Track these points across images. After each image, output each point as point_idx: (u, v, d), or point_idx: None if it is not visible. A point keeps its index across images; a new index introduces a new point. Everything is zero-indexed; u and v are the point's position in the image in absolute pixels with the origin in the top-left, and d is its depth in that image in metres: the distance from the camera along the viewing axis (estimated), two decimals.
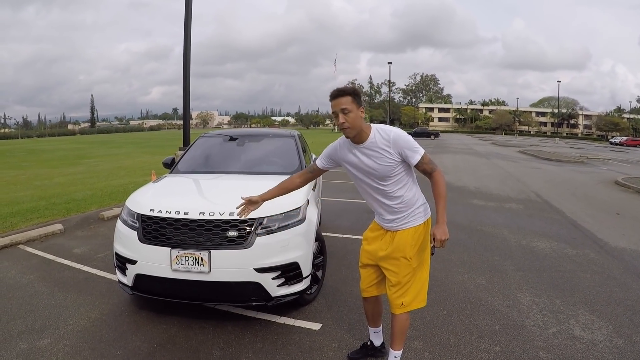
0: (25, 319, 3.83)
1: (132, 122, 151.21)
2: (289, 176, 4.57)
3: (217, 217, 3.50)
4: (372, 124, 2.76)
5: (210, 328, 3.66)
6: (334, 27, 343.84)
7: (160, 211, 3.61)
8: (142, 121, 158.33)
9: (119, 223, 3.92)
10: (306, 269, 3.74)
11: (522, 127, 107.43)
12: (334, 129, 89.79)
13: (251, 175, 4.78)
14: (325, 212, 8.11)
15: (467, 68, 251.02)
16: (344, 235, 6.68)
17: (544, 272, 5.20)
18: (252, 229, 3.52)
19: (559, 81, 77.17)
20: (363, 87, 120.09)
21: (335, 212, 8.41)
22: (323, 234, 6.63)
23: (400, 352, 2.97)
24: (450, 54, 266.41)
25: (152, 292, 3.70)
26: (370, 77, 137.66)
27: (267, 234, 3.55)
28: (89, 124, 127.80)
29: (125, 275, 3.75)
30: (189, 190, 4.44)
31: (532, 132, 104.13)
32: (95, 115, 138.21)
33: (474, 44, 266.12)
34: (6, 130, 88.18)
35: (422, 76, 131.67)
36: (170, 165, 5.28)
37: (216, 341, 3.46)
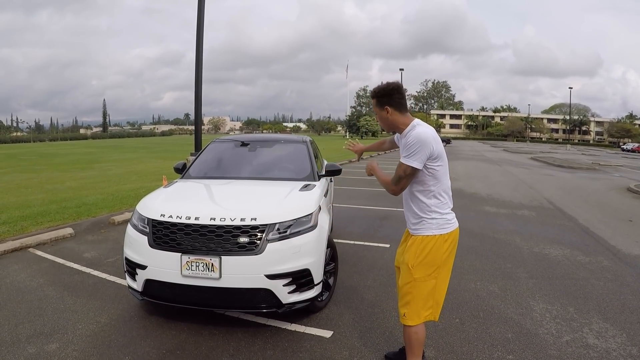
0: (34, 322, 3.82)
1: (144, 127, 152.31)
2: (302, 182, 4.58)
3: (228, 222, 3.47)
4: (415, 119, 2.77)
5: (220, 334, 3.63)
6: (346, 34, 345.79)
7: (170, 216, 3.60)
8: (154, 126, 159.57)
9: (129, 228, 3.91)
10: (318, 275, 3.70)
11: (534, 134, 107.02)
12: (346, 135, 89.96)
13: (262, 181, 4.77)
14: (336, 218, 8.07)
15: (478, 74, 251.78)
16: (356, 242, 6.63)
17: (556, 279, 5.11)
18: (264, 235, 3.49)
19: (571, 88, 76.71)
20: None
21: (348, 219, 8.36)
22: (335, 240, 6.61)
23: None
24: (461, 61, 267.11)
25: (161, 298, 3.67)
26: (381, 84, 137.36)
27: (279, 240, 3.51)
28: (101, 129, 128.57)
29: (135, 280, 3.73)
30: (199, 195, 4.43)
31: (543, 139, 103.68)
32: (107, 120, 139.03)
33: (485, 51, 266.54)
34: (18, 133, 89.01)
35: (433, 83, 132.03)
36: (182, 170, 5.27)
37: (226, 348, 3.42)
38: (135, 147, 41.89)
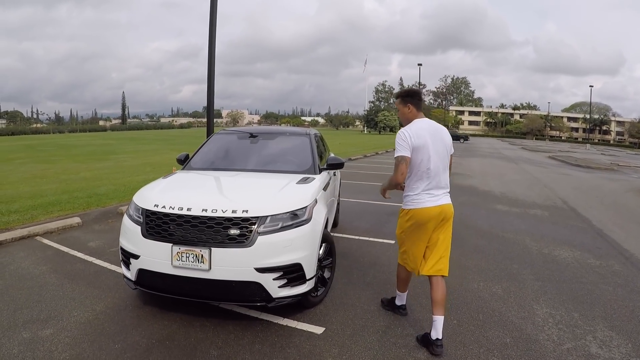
0: (32, 309, 3.88)
1: (162, 120, 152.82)
2: (301, 175, 4.52)
3: (219, 214, 3.43)
4: (417, 120, 3.51)
5: (211, 326, 3.61)
6: (365, 29, 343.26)
7: (164, 207, 3.58)
8: (173, 119, 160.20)
9: (125, 217, 3.91)
10: (310, 270, 3.62)
11: (553, 133, 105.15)
12: (364, 130, 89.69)
13: (262, 173, 4.72)
14: (344, 212, 8.01)
15: (498, 71, 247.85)
16: (361, 237, 6.54)
17: (563, 282, 4.93)
18: (255, 227, 3.43)
19: (591, 86, 74.40)
20: (393, 89, 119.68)
21: (356, 213, 8.28)
22: (340, 235, 6.56)
23: (396, 290, 3.92)
24: (481, 57, 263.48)
25: (154, 288, 3.66)
26: (400, 79, 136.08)
27: (270, 233, 3.44)
28: (120, 121, 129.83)
29: (129, 269, 3.73)
30: (196, 186, 4.39)
31: (563, 138, 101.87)
32: (126, 112, 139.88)
33: (506, 47, 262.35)
34: (38, 125, 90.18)
35: (452, 79, 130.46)
36: (184, 162, 5.26)
37: (215, 340, 3.39)
38: (152, 139, 42.26)
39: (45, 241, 6.00)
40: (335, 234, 6.59)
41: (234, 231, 3.40)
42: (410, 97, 3.53)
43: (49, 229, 6.49)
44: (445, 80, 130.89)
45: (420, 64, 53.61)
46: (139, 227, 3.64)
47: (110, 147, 28.79)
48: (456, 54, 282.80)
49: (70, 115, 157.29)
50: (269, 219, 3.48)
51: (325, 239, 4.07)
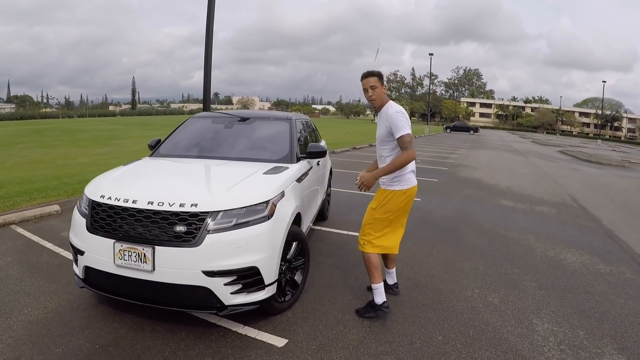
0: None
1: (172, 105, 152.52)
2: (274, 164, 4.10)
3: (165, 208, 3.01)
4: (391, 101, 3.59)
5: (162, 332, 3.24)
6: (379, 18, 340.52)
7: (109, 198, 3.19)
8: (183, 104, 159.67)
9: (75, 209, 3.53)
10: (269, 275, 3.18)
11: (565, 127, 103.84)
12: (374, 120, 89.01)
13: (231, 162, 4.29)
14: (336, 204, 7.61)
15: (510, 64, 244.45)
16: (349, 233, 6.07)
17: (569, 292, 4.43)
18: (204, 224, 3.00)
19: (604, 82, 73.37)
20: (405, 79, 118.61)
21: (349, 205, 7.82)
22: (327, 229, 6.14)
23: (372, 284, 3.63)
24: (494, 49, 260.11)
25: (99, 288, 3.29)
26: (412, 69, 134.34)
27: (221, 231, 3.01)
28: (130, 106, 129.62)
29: (77, 266, 3.37)
30: (151, 175, 3.98)
31: (574, 133, 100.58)
32: (136, 98, 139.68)
33: (519, 40, 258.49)
34: (48, 109, 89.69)
35: (465, 70, 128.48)
36: (154, 147, 4.86)
37: (162, 349, 3.02)
38: (160, 124, 41.86)
39: (19, 230, 5.70)
40: (322, 228, 6.20)
41: (180, 228, 2.98)
42: (383, 79, 3.64)
43: (26, 217, 6.19)
44: (458, 71, 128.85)
45: (431, 54, 52.85)
46: (85, 220, 3.27)
47: (116, 132, 28.48)
48: (469, 46, 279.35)
49: (80, 100, 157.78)
50: (220, 214, 3.05)
51: (296, 237, 3.65)
